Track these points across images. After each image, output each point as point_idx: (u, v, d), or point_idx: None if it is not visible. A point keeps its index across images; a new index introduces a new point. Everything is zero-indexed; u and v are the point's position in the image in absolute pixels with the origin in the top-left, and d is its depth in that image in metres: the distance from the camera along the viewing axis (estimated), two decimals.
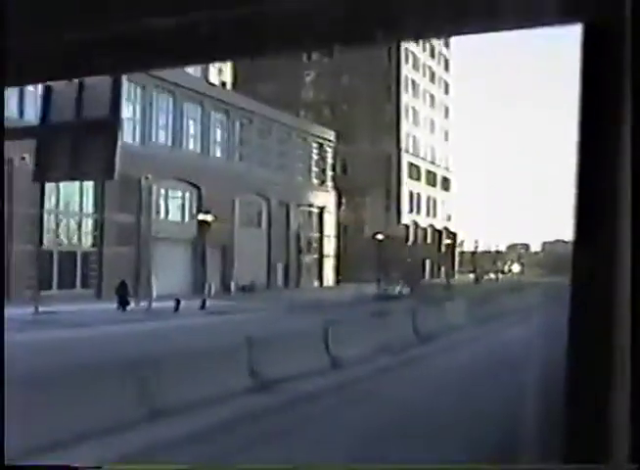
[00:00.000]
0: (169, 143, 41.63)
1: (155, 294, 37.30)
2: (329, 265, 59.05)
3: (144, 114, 39.62)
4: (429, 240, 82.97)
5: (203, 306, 31.02)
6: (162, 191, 40.52)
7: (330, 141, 59.89)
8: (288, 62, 79.84)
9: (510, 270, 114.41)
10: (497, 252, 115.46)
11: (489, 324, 24.39)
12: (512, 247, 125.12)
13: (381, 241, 62.22)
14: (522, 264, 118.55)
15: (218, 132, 45.61)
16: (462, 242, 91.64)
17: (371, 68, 78.41)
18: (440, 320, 21.17)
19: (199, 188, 43.61)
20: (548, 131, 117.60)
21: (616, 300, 1.28)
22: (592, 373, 1.30)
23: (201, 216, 31.66)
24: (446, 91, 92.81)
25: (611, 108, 1.33)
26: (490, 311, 27.31)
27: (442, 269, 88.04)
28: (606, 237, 1.28)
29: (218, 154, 45.87)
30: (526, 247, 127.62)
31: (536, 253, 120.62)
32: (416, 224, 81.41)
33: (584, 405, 1.30)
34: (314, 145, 57.20)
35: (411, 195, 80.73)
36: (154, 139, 40.76)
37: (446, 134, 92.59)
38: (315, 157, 57.44)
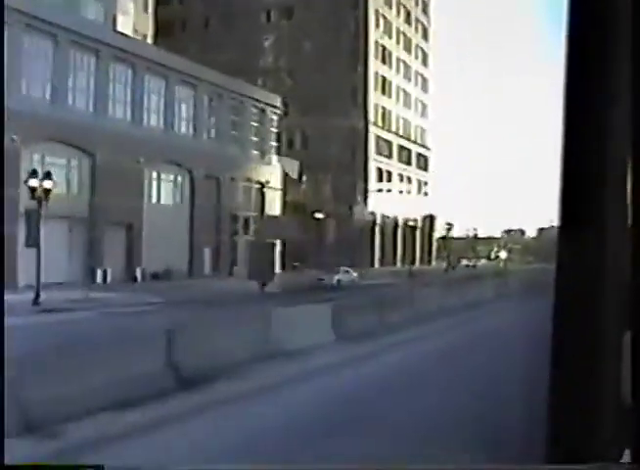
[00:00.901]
0: (47, 98, 34.08)
1: (23, 282, 30.30)
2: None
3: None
4: (400, 223, 75.45)
5: (36, 300, 23.62)
6: (37, 157, 33.02)
7: (275, 107, 52.24)
8: (245, 25, 72.32)
9: (497, 257, 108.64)
10: (482, 238, 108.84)
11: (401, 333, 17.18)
12: (507, 232, 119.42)
13: (318, 220, 54.82)
14: (509, 251, 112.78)
15: (119, 88, 37.99)
16: (450, 227, 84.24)
17: (336, 32, 70.79)
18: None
19: (92, 155, 36.12)
20: (538, 103, 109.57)
21: (602, 287, 1.24)
22: (576, 363, 1.28)
23: (32, 182, 24.04)
24: (424, 62, 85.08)
25: (597, 92, 1.28)
26: (417, 313, 20.19)
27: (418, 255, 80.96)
28: (591, 224, 1.25)
29: (120, 115, 38.25)
30: (522, 232, 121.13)
31: (533, 239, 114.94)
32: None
33: (568, 400, 1.29)
34: (254, 111, 49.53)
35: (380, 173, 73.19)
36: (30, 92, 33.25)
37: (424, 109, 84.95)
38: (255, 125, 49.77)
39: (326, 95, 69.03)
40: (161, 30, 63.45)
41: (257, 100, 49.69)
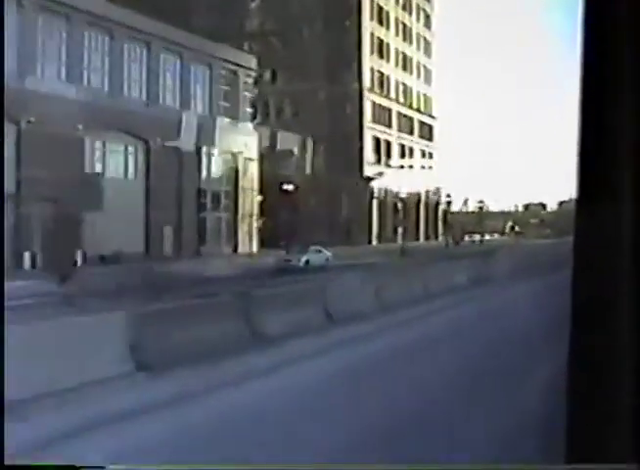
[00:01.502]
0: None
1: None
2: (249, 227, 46.75)
3: None
4: (403, 196, 70.16)
5: None
6: None
7: (249, 69, 47.11)
8: None
9: (512, 230, 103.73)
10: (496, 212, 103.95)
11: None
12: (526, 207, 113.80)
13: (288, 192, 49.87)
14: (524, 225, 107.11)
15: (49, 43, 33.13)
16: (450, 200, 78.91)
17: None
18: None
19: (17, 121, 31.43)
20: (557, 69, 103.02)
21: (619, 260, 1.25)
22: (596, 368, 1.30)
23: None
24: (427, 24, 79.22)
25: (613, 72, 1.34)
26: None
27: (422, 231, 75.79)
28: (608, 198, 1.29)
29: (52, 73, 33.42)
30: (543, 206, 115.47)
31: (552, 212, 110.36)
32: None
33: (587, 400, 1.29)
34: (223, 73, 44.47)
35: (377, 142, 67.91)
36: None
37: (428, 74, 79.27)
38: (225, 88, 44.73)
39: (317, 59, 63.75)
40: None
41: (227, 60, 44.59)
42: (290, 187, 47.41)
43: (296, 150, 63.08)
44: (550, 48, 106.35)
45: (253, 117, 66.04)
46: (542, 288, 17.73)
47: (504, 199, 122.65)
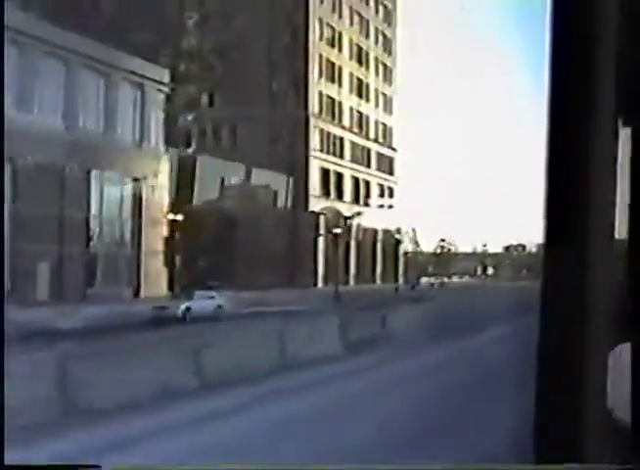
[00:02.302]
0: None
1: None
2: (157, 265, 39.80)
3: None
4: (353, 234, 63.58)
5: None
6: None
7: (161, 83, 40.65)
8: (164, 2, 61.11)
9: (484, 272, 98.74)
10: (467, 253, 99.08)
11: None
12: (506, 249, 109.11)
13: (224, 228, 43.28)
14: (493, 267, 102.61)
15: None
16: (399, 240, 72.35)
17: (272, 7, 59.47)
18: None
19: None
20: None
21: (587, 298, 1.27)
22: (564, 373, 1.29)
23: None
24: (388, 49, 73.64)
25: (580, 107, 1.29)
26: None
27: (378, 272, 69.10)
28: (576, 240, 1.27)
29: None
30: (523, 248, 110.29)
31: (529, 254, 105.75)
32: (338, 213, 62.13)
33: (555, 406, 1.30)
34: (124, 85, 37.96)
35: (326, 174, 61.53)
36: None
37: (388, 102, 73.37)
38: (127, 103, 38.19)
39: (259, 81, 57.67)
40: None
41: (130, 71, 38.09)
42: (177, 217, 40.30)
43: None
44: (518, 77, 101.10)
45: (188, 145, 60.04)
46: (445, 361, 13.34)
47: (480, 239, 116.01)
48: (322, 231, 58.28)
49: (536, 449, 1.32)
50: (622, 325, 1.78)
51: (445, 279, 78.69)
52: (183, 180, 44.84)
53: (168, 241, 41.10)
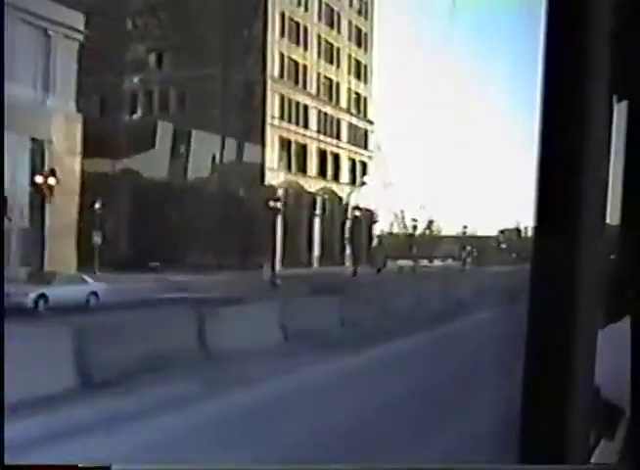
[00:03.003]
0: None
1: None
2: (65, 244, 34.36)
3: None
4: (318, 210, 58.12)
5: None
6: None
7: (72, 29, 34.94)
8: None
9: (470, 255, 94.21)
10: (451, 236, 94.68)
11: None
12: (502, 232, 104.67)
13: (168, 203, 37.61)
14: (473, 251, 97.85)
15: None
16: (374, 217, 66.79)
17: None
18: None
19: None
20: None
21: (577, 282, 1.28)
22: (552, 357, 1.31)
23: None
24: (363, 12, 67.63)
25: (574, 93, 1.29)
26: None
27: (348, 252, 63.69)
28: (567, 225, 1.28)
29: None
30: (518, 232, 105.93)
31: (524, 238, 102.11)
32: (300, 187, 56.63)
33: (542, 403, 1.31)
34: (26, 31, 32.28)
35: (288, 144, 55.91)
36: None
37: (363, 71, 67.58)
38: (29, 52, 32.53)
39: (213, 40, 51.93)
40: None
41: (30, 12, 32.39)
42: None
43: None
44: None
45: (133, 111, 54.56)
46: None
47: (472, 222, 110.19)
48: (280, 207, 52.78)
49: (522, 432, 1.28)
50: (612, 308, 1.92)
51: (426, 262, 73.72)
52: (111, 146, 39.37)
53: (84, 215, 35.71)
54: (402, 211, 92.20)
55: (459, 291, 31.55)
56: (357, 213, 61.67)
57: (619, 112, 1.88)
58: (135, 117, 53.13)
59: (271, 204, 53.05)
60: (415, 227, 71.11)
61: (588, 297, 1.30)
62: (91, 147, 36.41)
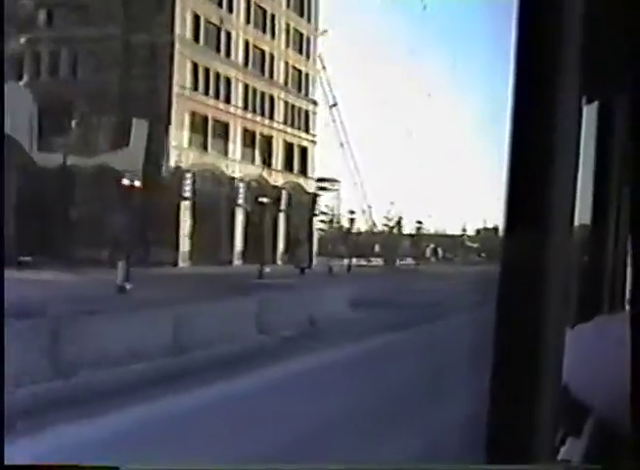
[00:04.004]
0: None
1: None
2: None
3: None
4: (241, 200, 50.01)
5: None
6: None
7: None
8: None
9: (434, 255, 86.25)
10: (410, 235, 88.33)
11: None
12: (477, 232, 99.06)
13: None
14: (437, 249, 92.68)
15: None
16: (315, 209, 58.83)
17: None
18: None
19: None
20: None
21: (547, 290, 1.30)
22: (518, 369, 1.31)
23: None
24: None
25: (544, 94, 1.30)
26: None
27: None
28: (536, 225, 1.30)
29: None
30: (495, 230, 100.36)
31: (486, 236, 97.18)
32: (221, 173, 48.54)
33: (509, 403, 1.32)
34: None
35: (204, 121, 47.81)
36: None
37: (305, 43, 59.55)
38: None
39: None
40: None
41: None
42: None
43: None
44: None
45: (19, 77, 46.58)
46: None
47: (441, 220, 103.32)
48: (188, 195, 44.73)
49: (488, 432, 1.30)
50: (582, 308, 2.05)
51: (378, 261, 66.21)
52: None
53: None
54: (370, 207, 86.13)
55: (375, 296, 24.83)
56: (282, 205, 53.75)
57: (589, 113, 2.01)
58: (22, 83, 44.93)
59: (184, 190, 45.22)
60: (374, 224, 64.88)
61: (557, 296, 1.29)
62: None
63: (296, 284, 34.53)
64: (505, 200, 1.30)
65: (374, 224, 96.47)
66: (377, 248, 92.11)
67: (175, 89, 44.19)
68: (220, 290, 27.65)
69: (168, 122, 44.15)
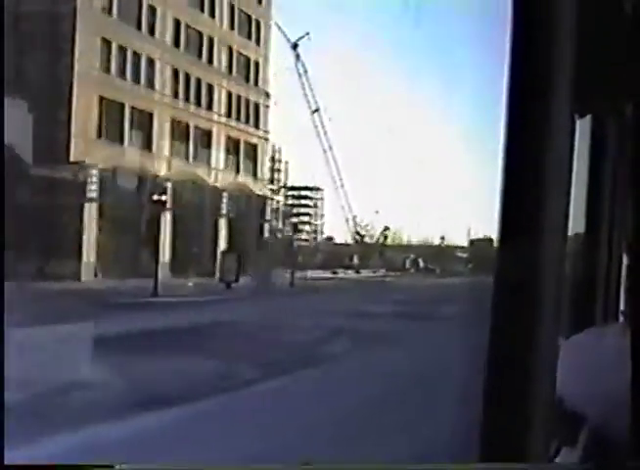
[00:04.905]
0: None
1: None
2: None
3: None
4: (167, 203, 42.70)
5: None
6: None
7: None
8: None
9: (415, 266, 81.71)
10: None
11: None
12: (472, 243, 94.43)
13: None
14: (418, 260, 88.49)
15: None
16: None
17: None
18: None
19: None
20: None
21: (540, 300, 1.30)
22: (512, 372, 1.31)
23: None
24: None
25: (537, 98, 1.29)
26: None
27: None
28: (530, 235, 1.30)
29: None
30: (490, 241, 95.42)
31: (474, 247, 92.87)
32: (144, 170, 41.24)
33: (503, 403, 1.32)
34: None
35: (119, 110, 40.52)
36: None
37: (254, 27, 52.44)
38: None
39: None
40: None
41: None
42: None
43: None
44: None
45: None
46: None
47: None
48: (94, 195, 37.41)
49: (482, 441, 1.29)
50: (576, 320, 2.04)
51: (326, 274, 59.39)
52: None
53: None
54: (355, 217, 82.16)
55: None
56: (224, 209, 46.47)
57: (583, 126, 2.00)
58: None
59: (89, 189, 37.96)
60: (358, 233, 60.92)
61: (550, 306, 1.29)
62: None
63: (197, 304, 27.40)
64: (499, 210, 1.27)
65: (357, 233, 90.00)
66: (355, 259, 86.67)
67: (76, 67, 36.87)
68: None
69: (69, 108, 36.86)
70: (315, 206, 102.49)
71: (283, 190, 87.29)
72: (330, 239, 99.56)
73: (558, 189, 1.29)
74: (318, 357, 13.68)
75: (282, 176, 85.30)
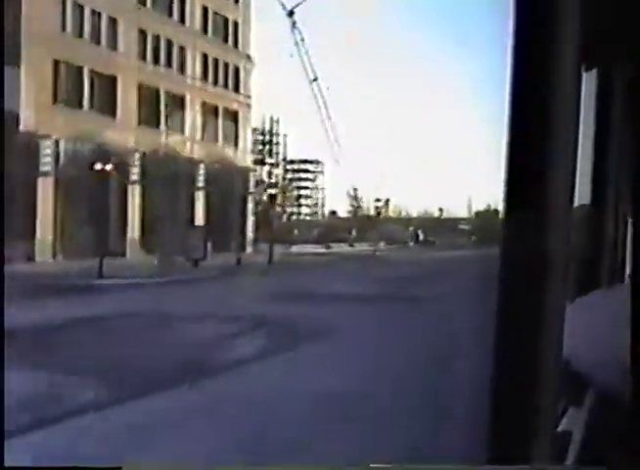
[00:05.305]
0: None
1: None
2: None
3: None
4: (136, 175, 39.20)
5: None
6: None
7: None
8: None
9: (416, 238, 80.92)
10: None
11: None
12: (477, 214, 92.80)
13: None
14: (419, 234, 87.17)
15: None
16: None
17: None
18: None
19: None
20: None
21: (546, 262, 1.27)
22: (520, 347, 1.29)
23: None
24: None
25: (543, 77, 1.26)
26: None
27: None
28: (536, 207, 1.27)
29: None
30: (496, 213, 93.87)
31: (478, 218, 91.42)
32: (103, 140, 37.65)
33: (513, 377, 1.30)
34: None
35: (76, 73, 36.92)
36: None
37: None
38: None
39: None
40: None
41: None
42: None
43: None
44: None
45: None
46: None
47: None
48: (49, 168, 33.96)
49: (492, 405, 1.26)
50: (581, 283, 2.11)
51: (318, 249, 56.74)
52: None
53: None
54: (355, 190, 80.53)
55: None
56: (201, 182, 43.01)
57: (589, 80, 1.96)
58: None
59: (42, 162, 34.50)
60: (358, 207, 58.36)
61: (557, 273, 1.26)
62: None
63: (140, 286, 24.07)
64: (505, 177, 1.25)
65: (356, 206, 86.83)
66: (354, 232, 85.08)
67: (26, 27, 33.24)
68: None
69: (17, 73, 33.28)
70: (315, 179, 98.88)
71: (282, 163, 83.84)
72: (333, 213, 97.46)
73: (565, 148, 1.24)
74: (207, 368, 10.24)
75: (280, 149, 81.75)
